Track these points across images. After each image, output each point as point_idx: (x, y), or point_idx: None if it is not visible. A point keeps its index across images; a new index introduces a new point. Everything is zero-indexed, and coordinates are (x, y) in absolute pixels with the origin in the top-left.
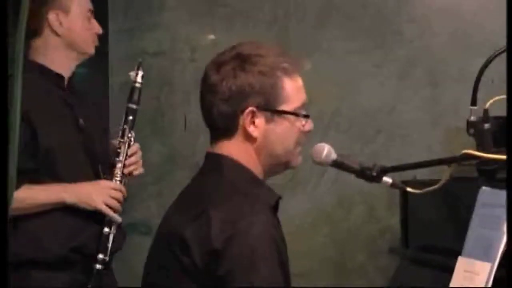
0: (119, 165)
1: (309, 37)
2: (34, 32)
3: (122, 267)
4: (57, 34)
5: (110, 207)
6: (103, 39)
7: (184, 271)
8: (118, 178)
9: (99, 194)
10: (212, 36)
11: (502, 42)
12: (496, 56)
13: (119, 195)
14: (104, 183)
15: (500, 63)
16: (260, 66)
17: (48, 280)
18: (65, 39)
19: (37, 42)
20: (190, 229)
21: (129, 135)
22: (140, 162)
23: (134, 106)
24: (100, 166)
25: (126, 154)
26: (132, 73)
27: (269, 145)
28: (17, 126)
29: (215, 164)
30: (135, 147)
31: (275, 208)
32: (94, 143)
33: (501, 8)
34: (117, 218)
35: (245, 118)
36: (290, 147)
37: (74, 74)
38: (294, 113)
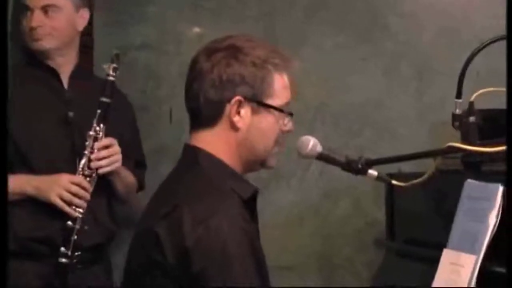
0: (84, 159)
1: (296, 31)
2: None
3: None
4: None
5: (66, 201)
6: (88, 33)
7: (158, 269)
8: (82, 172)
9: (54, 187)
10: (198, 30)
11: (487, 36)
12: (481, 49)
13: (76, 189)
14: (63, 177)
15: (486, 57)
16: (253, 57)
17: (14, 269)
18: None
19: None
20: (162, 226)
21: (97, 128)
22: (115, 157)
23: (105, 100)
24: (78, 160)
25: (92, 148)
26: (106, 66)
27: (251, 138)
28: None
29: (192, 158)
30: (107, 141)
31: (251, 200)
32: (83, 137)
33: (489, 4)
34: (72, 212)
35: (231, 107)
36: (269, 145)
37: (77, 68)
38: (280, 109)
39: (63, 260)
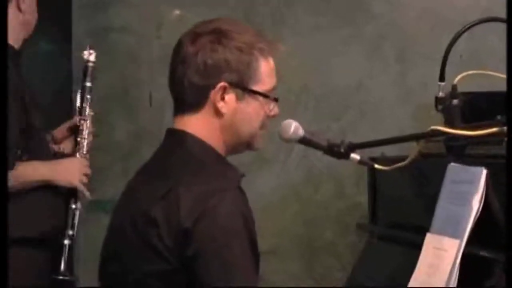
0: (85, 141)
1: (276, 13)
2: None
3: (86, 245)
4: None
5: (84, 184)
6: (66, 15)
7: (154, 251)
8: (83, 155)
9: (75, 171)
10: (178, 12)
11: (472, 18)
12: (464, 31)
13: (89, 172)
14: (77, 160)
15: (469, 39)
16: (238, 42)
17: (31, 258)
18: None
19: None
20: (158, 207)
21: (91, 113)
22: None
23: (89, 84)
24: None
25: (89, 131)
26: (86, 53)
27: (235, 124)
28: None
29: (177, 140)
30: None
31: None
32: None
33: None
34: (88, 194)
35: (216, 93)
36: (255, 129)
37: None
38: (265, 95)
39: (68, 242)
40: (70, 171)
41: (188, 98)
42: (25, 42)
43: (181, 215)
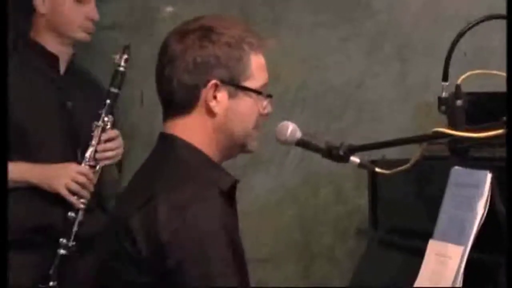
0: (91, 149)
1: (273, 9)
2: (33, 9)
3: None
4: (40, 13)
5: (73, 192)
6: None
7: (130, 261)
8: (88, 163)
9: (62, 177)
10: (171, 9)
11: (474, 14)
12: (468, 29)
13: (83, 179)
14: (70, 166)
15: (473, 36)
16: (227, 37)
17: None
18: (48, 20)
19: (34, 20)
20: (136, 217)
21: (106, 119)
22: (120, 150)
23: (115, 90)
24: (79, 150)
25: (100, 139)
26: (117, 56)
27: (229, 123)
28: None
29: (167, 146)
30: (112, 133)
31: (230, 192)
32: (82, 127)
33: None
34: (76, 203)
35: (207, 92)
36: (249, 128)
37: (74, 56)
38: (258, 92)
39: (63, 251)
40: (56, 177)
41: (178, 99)
42: None
43: (158, 226)
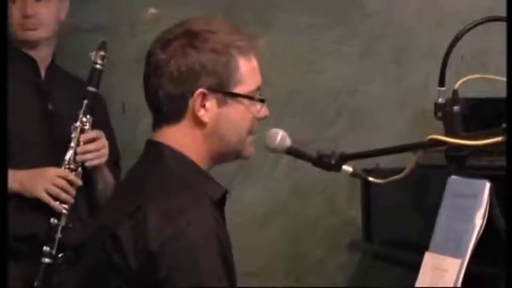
0: (70, 152)
1: (263, 10)
2: None
3: None
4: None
5: (53, 196)
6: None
7: (118, 272)
8: (67, 166)
9: (41, 181)
10: (153, 11)
11: (474, 16)
12: (466, 31)
13: (62, 183)
14: (49, 170)
15: (471, 39)
16: (213, 43)
17: None
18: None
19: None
20: (124, 226)
21: (84, 119)
22: (103, 151)
23: (92, 89)
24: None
25: (78, 141)
26: (92, 53)
27: (220, 132)
28: None
29: (156, 154)
30: (93, 133)
31: (220, 202)
32: (65, 129)
33: None
34: (58, 208)
35: (195, 101)
36: (242, 135)
37: (53, 60)
38: (249, 97)
39: (47, 260)
40: (36, 182)
41: (166, 110)
42: None
43: (148, 236)
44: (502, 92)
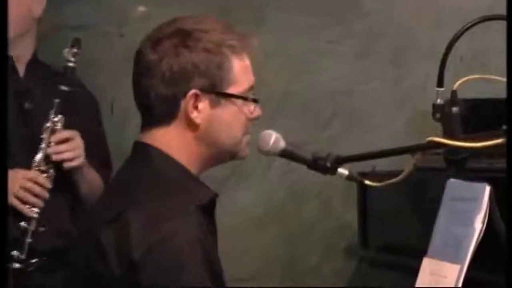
0: (40, 153)
1: (256, 9)
2: None
3: None
4: None
5: (21, 199)
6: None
7: (100, 278)
8: (37, 167)
9: (10, 184)
10: (143, 9)
11: (474, 15)
12: (465, 31)
13: (31, 185)
14: (18, 173)
15: (470, 39)
16: (205, 42)
17: None
18: None
19: None
20: (107, 232)
21: (55, 119)
22: (77, 152)
23: (64, 88)
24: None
25: (50, 141)
26: (65, 51)
27: (213, 133)
28: None
29: (143, 156)
30: (66, 133)
31: (209, 207)
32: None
33: None
34: (27, 212)
35: (187, 102)
36: (237, 136)
37: (34, 57)
38: (243, 97)
39: (17, 265)
40: None
41: (157, 112)
42: None
43: (131, 243)
44: (502, 93)
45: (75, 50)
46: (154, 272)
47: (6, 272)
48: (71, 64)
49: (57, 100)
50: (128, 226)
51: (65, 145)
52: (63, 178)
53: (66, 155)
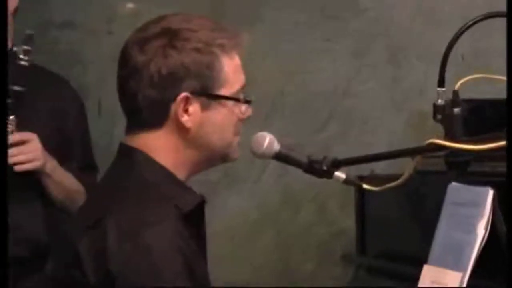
0: None
1: (249, 6)
2: None
3: None
4: None
5: None
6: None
7: (75, 286)
8: None
9: None
10: (131, 6)
11: (473, 14)
12: (467, 28)
13: None
14: None
15: (471, 38)
16: (194, 42)
17: None
18: None
19: None
20: (85, 239)
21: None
22: (32, 155)
23: (17, 88)
24: None
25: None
26: (16, 48)
27: (205, 136)
28: None
29: (128, 160)
30: (17, 136)
31: (195, 213)
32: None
33: None
34: None
35: (177, 106)
36: (228, 138)
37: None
38: (235, 98)
39: None
40: None
41: (145, 116)
42: None
43: (107, 253)
44: (505, 93)
45: (26, 47)
46: (131, 283)
47: (6, 272)
48: (23, 62)
49: (8, 101)
50: (105, 236)
51: (16, 148)
52: (34, 184)
53: (16, 159)
